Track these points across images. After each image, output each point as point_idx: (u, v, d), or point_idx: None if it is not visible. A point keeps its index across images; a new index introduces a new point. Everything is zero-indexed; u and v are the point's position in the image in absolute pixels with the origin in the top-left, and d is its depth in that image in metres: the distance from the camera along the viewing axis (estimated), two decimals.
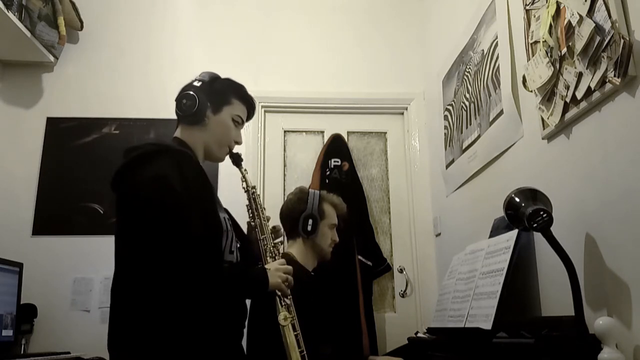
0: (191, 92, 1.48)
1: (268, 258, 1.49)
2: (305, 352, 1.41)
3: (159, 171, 1.32)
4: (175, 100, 1.51)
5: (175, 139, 1.51)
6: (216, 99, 1.52)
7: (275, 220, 1.96)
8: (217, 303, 1.34)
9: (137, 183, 1.33)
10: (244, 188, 1.58)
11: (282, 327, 1.38)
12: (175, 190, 1.30)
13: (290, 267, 1.47)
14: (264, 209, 1.57)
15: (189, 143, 1.49)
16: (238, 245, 1.57)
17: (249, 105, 1.60)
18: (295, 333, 1.40)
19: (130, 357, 1.28)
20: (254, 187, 1.58)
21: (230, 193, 1.90)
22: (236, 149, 1.59)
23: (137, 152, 1.39)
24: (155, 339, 1.25)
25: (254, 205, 1.56)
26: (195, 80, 1.53)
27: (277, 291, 1.40)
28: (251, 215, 1.56)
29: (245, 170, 1.59)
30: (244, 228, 1.64)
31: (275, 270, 1.41)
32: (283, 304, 1.41)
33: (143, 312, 1.27)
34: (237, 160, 1.58)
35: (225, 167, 1.64)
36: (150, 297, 1.26)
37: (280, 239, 1.62)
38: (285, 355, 1.38)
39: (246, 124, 2.82)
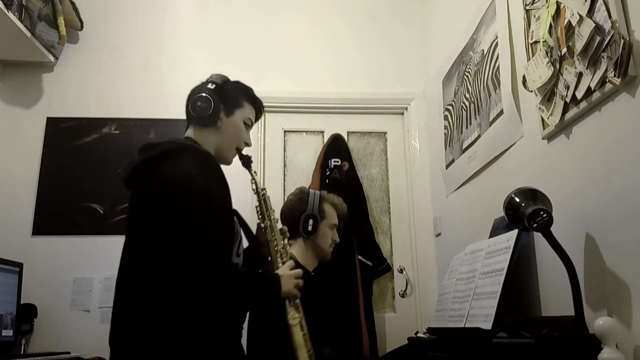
0: (206, 95, 1.49)
1: (279, 260, 1.51)
2: (312, 352, 1.42)
3: (186, 168, 1.32)
4: (189, 102, 1.51)
5: (189, 139, 1.51)
6: (229, 101, 1.53)
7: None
8: (228, 307, 1.34)
9: (164, 179, 1.31)
10: (253, 190, 1.58)
11: (290, 326, 1.39)
12: (204, 189, 1.30)
13: (300, 271, 1.48)
14: (273, 210, 1.58)
15: (202, 144, 1.49)
16: (244, 248, 1.57)
17: (258, 107, 1.62)
18: (302, 332, 1.42)
19: (132, 355, 1.27)
20: (264, 189, 1.59)
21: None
22: (245, 150, 1.60)
23: (160, 149, 1.38)
24: (161, 337, 1.25)
25: (264, 206, 1.57)
26: (209, 82, 1.53)
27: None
28: (261, 216, 1.57)
29: (255, 172, 1.59)
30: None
31: (288, 277, 1.43)
32: (292, 304, 1.43)
33: (151, 310, 1.26)
34: (247, 162, 1.59)
35: (229, 167, 1.65)
36: (161, 295, 1.25)
37: (286, 240, 1.63)
38: (288, 355, 1.39)
39: None
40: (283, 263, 1.50)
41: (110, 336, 1.32)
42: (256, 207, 1.58)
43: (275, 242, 1.53)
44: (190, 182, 1.29)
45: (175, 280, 1.25)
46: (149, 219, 1.31)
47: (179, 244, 1.25)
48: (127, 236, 1.37)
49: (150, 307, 1.26)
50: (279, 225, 1.59)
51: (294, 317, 1.41)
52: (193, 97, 1.50)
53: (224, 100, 1.52)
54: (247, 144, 1.58)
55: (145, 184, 1.35)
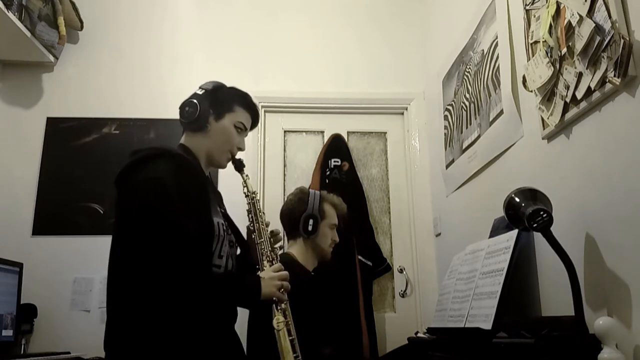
0: (193, 100, 1.52)
1: (265, 262, 1.49)
2: (300, 357, 1.40)
3: (154, 174, 1.35)
4: (179, 108, 1.54)
5: (180, 146, 1.55)
6: (218, 106, 1.55)
7: (275, 222, 1.96)
8: (206, 306, 1.35)
9: (132, 185, 1.37)
10: (244, 193, 1.59)
11: (276, 331, 1.37)
12: (168, 193, 1.32)
13: (286, 273, 1.46)
14: (264, 213, 1.59)
15: (192, 149, 1.52)
16: (238, 252, 1.59)
17: (253, 113, 1.63)
18: (290, 338, 1.38)
19: (123, 357, 1.30)
20: (254, 193, 1.60)
21: (229, 196, 1.90)
22: (239, 154, 1.61)
23: (138, 155, 1.43)
24: (144, 338, 1.27)
25: (253, 210, 1.57)
26: (199, 88, 1.57)
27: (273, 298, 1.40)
28: (251, 219, 1.58)
29: (247, 176, 1.61)
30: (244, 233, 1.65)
31: (270, 278, 1.41)
32: (279, 308, 1.40)
33: (131, 312, 1.29)
34: (239, 166, 1.60)
35: (226, 170, 1.66)
36: (137, 297, 1.28)
37: (280, 243, 1.63)
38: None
39: None
40: (271, 266, 1.48)
41: (105, 340, 1.34)
42: (247, 210, 1.59)
43: (262, 245, 1.51)
44: (160, 187, 1.32)
45: (144, 280, 1.28)
46: (124, 224, 1.36)
47: (150, 246, 1.28)
48: (112, 240, 1.40)
49: (130, 310, 1.30)
50: (271, 227, 1.58)
51: (279, 321, 1.38)
52: (182, 103, 1.54)
53: (214, 105, 1.54)
54: (240, 149, 1.60)
55: (123, 189, 1.40)
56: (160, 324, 1.28)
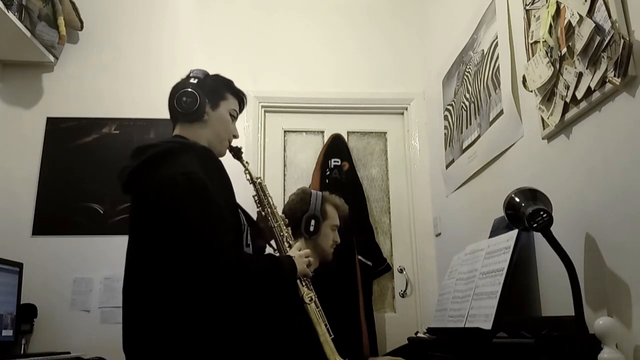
0: (191, 90, 1.48)
1: (286, 244, 1.54)
2: (328, 325, 1.47)
3: (187, 167, 1.31)
4: (174, 99, 1.49)
5: (177, 137, 1.49)
6: (213, 95, 1.52)
7: None
8: (252, 294, 1.36)
9: (165, 179, 1.30)
10: (248, 180, 1.60)
11: (307, 304, 1.44)
12: (207, 186, 1.30)
13: (308, 250, 1.53)
14: (271, 197, 1.61)
15: (192, 140, 1.48)
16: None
17: (240, 98, 1.62)
18: (318, 309, 1.47)
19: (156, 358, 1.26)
20: (259, 178, 1.61)
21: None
22: (235, 142, 1.60)
23: (160, 149, 1.38)
24: (175, 341, 1.23)
25: (261, 194, 1.59)
26: (190, 77, 1.53)
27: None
28: (260, 204, 1.59)
29: (247, 162, 1.61)
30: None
31: (299, 257, 1.47)
32: (304, 283, 1.47)
33: (161, 314, 1.25)
34: (237, 153, 1.59)
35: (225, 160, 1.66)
36: (171, 298, 1.25)
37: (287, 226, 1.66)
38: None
39: (246, 124, 2.82)
40: (290, 247, 1.54)
41: (124, 343, 1.30)
42: (253, 196, 1.60)
43: (279, 228, 1.56)
44: (191, 181, 1.29)
45: (192, 277, 1.24)
46: (153, 221, 1.30)
47: (186, 245, 1.25)
48: (131, 239, 1.36)
49: (160, 311, 1.25)
50: (278, 211, 1.62)
51: (309, 294, 1.46)
52: (177, 94, 1.48)
53: (208, 94, 1.51)
54: (235, 136, 1.58)
55: (148, 185, 1.33)
56: (203, 322, 1.24)
